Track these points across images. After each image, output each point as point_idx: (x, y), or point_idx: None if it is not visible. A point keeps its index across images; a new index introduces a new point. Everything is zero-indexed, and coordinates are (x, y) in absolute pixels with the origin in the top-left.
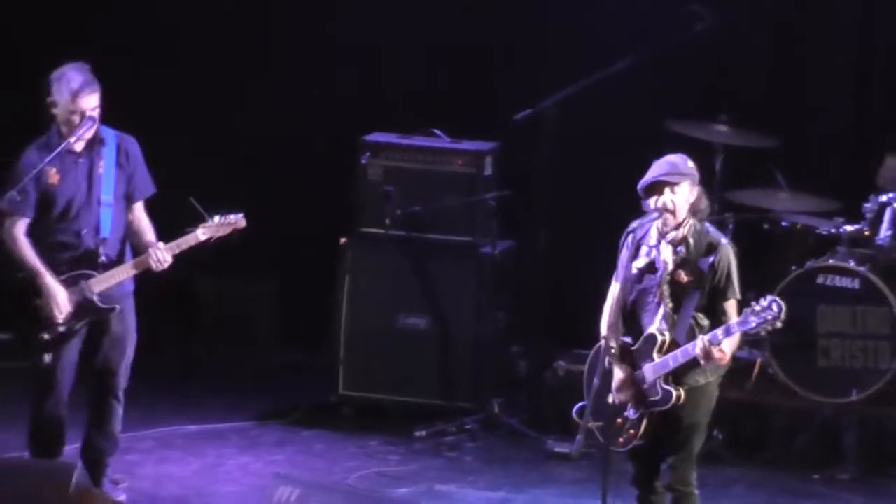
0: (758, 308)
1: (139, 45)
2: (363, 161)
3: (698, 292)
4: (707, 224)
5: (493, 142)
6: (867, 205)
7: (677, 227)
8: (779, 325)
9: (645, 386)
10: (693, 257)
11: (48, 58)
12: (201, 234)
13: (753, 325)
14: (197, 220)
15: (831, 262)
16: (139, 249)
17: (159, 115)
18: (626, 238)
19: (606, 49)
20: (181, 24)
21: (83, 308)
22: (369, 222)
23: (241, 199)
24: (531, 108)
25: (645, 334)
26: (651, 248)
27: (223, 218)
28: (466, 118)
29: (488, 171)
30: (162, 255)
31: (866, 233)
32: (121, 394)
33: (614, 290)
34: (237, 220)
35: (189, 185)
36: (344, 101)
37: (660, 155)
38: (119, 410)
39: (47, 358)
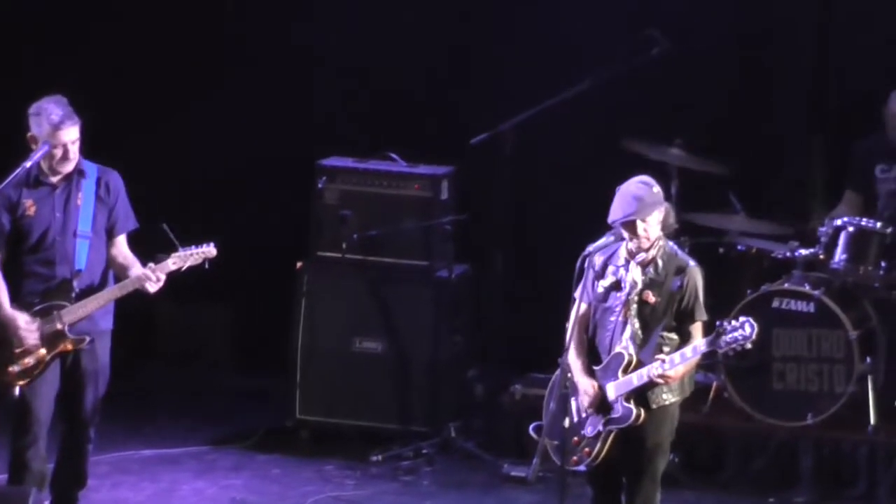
0: (728, 328)
1: (92, 71)
2: (320, 185)
3: (666, 313)
4: (675, 246)
5: (450, 166)
6: (822, 229)
7: (648, 248)
8: (749, 346)
9: (608, 404)
10: (661, 278)
11: None
12: (172, 263)
13: (723, 345)
14: (168, 249)
15: (786, 285)
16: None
17: (114, 141)
18: (583, 261)
19: (564, 72)
20: (135, 48)
21: (53, 338)
22: (326, 246)
23: (197, 223)
24: (488, 133)
25: (612, 353)
26: (618, 267)
27: (195, 247)
28: (423, 142)
29: (445, 195)
30: (156, 275)
31: (821, 257)
32: (91, 431)
33: (577, 309)
34: (208, 249)
35: (146, 212)
36: (300, 125)
37: (617, 179)
38: (89, 447)
39: (17, 392)
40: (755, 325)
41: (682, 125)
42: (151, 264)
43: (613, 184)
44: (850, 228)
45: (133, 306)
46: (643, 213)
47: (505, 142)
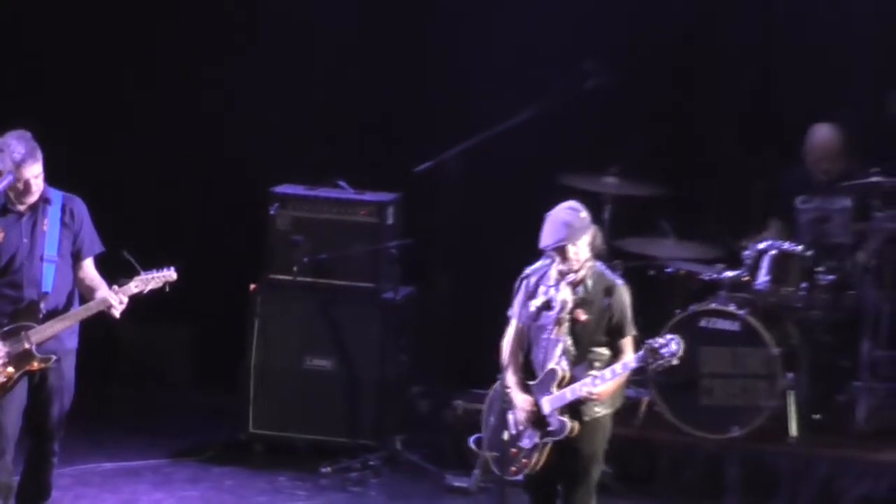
0: (657, 344)
1: (43, 100)
2: (272, 212)
3: (596, 330)
4: (603, 266)
5: (395, 193)
6: (746, 252)
7: (578, 269)
8: (675, 362)
9: (542, 417)
10: (591, 297)
11: None
12: (134, 286)
13: (652, 360)
14: (130, 273)
15: (713, 305)
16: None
17: (71, 168)
18: (521, 282)
19: (505, 103)
20: (86, 74)
21: (21, 357)
22: (278, 270)
23: (155, 248)
24: (432, 161)
25: (546, 369)
26: (549, 287)
27: (155, 272)
28: (370, 170)
29: (390, 220)
30: (119, 297)
31: (745, 278)
32: (56, 445)
33: (512, 327)
34: (168, 273)
35: (107, 238)
36: (254, 154)
37: (554, 204)
38: (54, 460)
39: None
40: (681, 342)
41: (617, 153)
42: (115, 287)
43: (551, 209)
44: (773, 252)
45: (96, 328)
46: (573, 238)
47: (448, 169)
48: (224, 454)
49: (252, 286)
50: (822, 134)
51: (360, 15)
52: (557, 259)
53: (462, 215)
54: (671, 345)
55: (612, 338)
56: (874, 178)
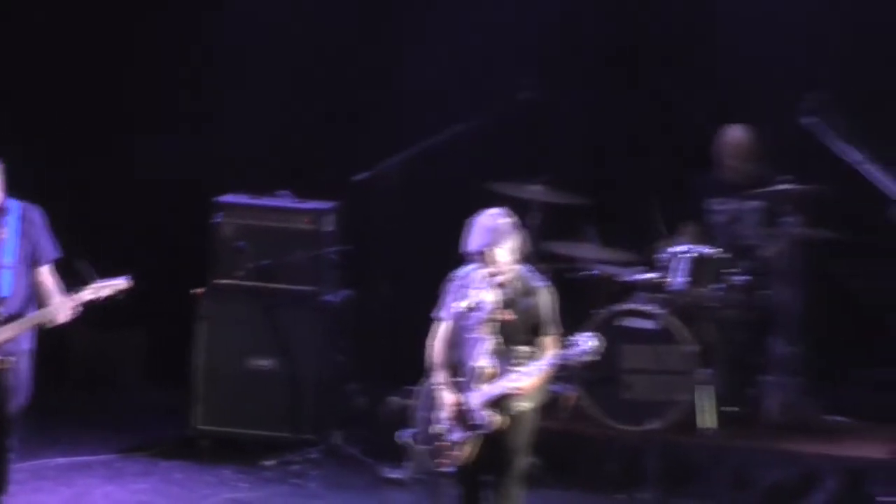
0: (576, 342)
1: None
2: (217, 220)
3: (520, 329)
4: (527, 268)
5: (335, 201)
6: (663, 255)
7: (503, 272)
8: (594, 357)
9: (470, 412)
10: (515, 298)
11: None
12: (89, 293)
13: (571, 357)
14: (85, 281)
15: (632, 306)
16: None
17: (23, 175)
18: (450, 282)
19: (441, 115)
20: (42, 86)
21: None
22: (223, 275)
23: (108, 256)
24: (370, 171)
25: (473, 366)
26: (476, 289)
27: (109, 280)
28: (311, 180)
29: (330, 227)
30: (67, 306)
31: (663, 280)
32: (13, 441)
33: (441, 327)
34: (122, 282)
35: (61, 245)
36: (201, 163)
37: (484, 210)
38: (11, 456)
39: None
40: (598, 339)
41: (546, 163)
42: (74, 294)
43: (476, 220)
44: (689, 254)
45: (51, 331)
46: (497, 243)
47: (385, 179)
48: (172, 449)
49: (198, 291)
50: (735, 134)
51: (303, 29)
52: (482, 262)
53: (398, 222)
54: (588, 342)
55: (536, 336)
56: (783, 186)
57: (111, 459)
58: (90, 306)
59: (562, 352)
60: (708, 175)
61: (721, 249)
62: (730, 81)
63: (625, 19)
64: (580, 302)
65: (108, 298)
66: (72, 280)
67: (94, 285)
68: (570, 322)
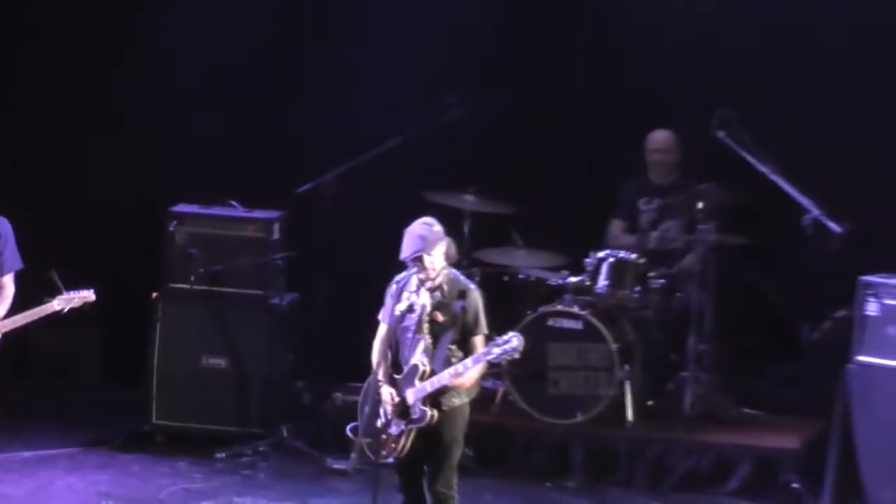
0: (500, 342)
1: None
2: (171, 228)
3: (452, 330)
4: (458, 273)
5: (281, 211)
6: (588, 260)
7: (434, 277)
8: (517, 356)
9: (407, 407)
10: (447, 301)
11: None
12: (56, 304)
13: (496, 355)
14: (53, 292)
15: (559, 307)
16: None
17: None
18: (390, 287)
19: (379, 130)
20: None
21: None
22: (177, 279)
23: (68, 261)
24: (312, 183)
25: (409, 364)
26: (412, 293)
27: (76, 292)
28: (258, 191)
29: (276, 235)
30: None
31: (587, 283)
32: None
33: (381, 329)
34: (88, 294)
35: (24, 254)
36: (155, 176)
37: (419, 218)
38: None
39: None
40: (522, 339)
41: (476, 174)
42: (43, 304)
43: (407, 230)
44: (611, 259)
45: (13, 332)
46: (428, 249)
47: (326, 190)
48: (130, 443)
49: (154, 294)
50: (661, 136)
51: (247, 47)
52: (416, 268)
53: (339, 230)
54: (513, 341)
55: (466, 336)
56: (700, 194)
57: (73, 453)
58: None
59: (488, 350)
60: (636, 179)
61: (641, 255)
62: (649, 94)
63: (548, 37)
64: (511, 304)
65: (74, 310)
66: (42, 291)
67: (62, 297)
68: (502, 323)
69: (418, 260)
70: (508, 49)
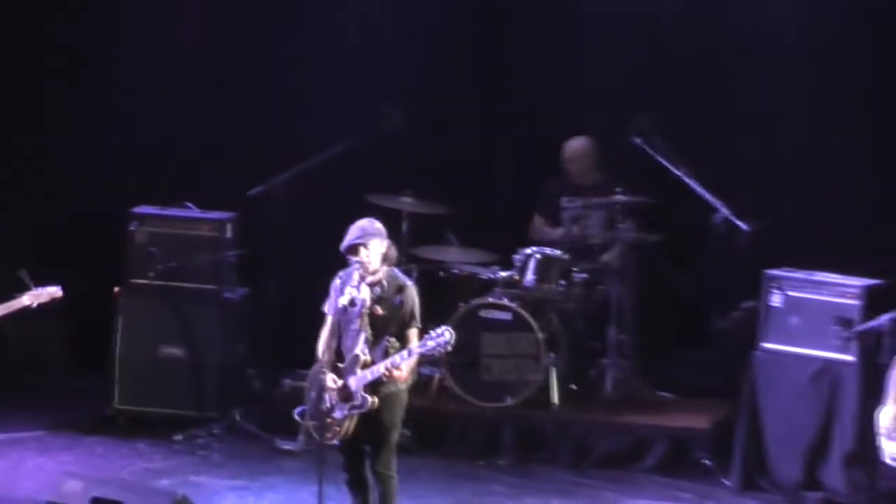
0: (434, 335)
1: None
2: (132, 228)
3: (391, 322)
4: (396, 270)
5: (233, 212)
6: (516, 256)
7: (374, 273)
8: (449, 348)
9: (350, 393)
10: (386, 296)
11: None
12: (26, 300)
13: (430, 348)
14: (23, 289)
15: (490, 299)
16: None
17: None
18: (334, 282)
19: (321, 138)
20: None
21: None
22: (137, 275)
23: (38, 261)
24: (263, 185)
25: (351, 354)
26: (353, 287)
27: (45, 288)
28: (213, 194)
29: (229, 234)
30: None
31: (516, 278)
32: None
33: (327, 321)
34: (55, 290)
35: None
36: (119, 178)
37: (361, 218)
38: None
39: None
40: (453, 332)
41: (413, 178)
42: (13, 300)
43: (351, 225)
44: (538, 256)
45: None
46: (364, 240)
47: (276, 192)
48: (94, 426)
49: (116, 289)
50: (576, 143)
51: (205, 61)
52: (353, 259)
53: (287, 229)
54: (444, 334)
55: (403, 329)
56: (617, 197)
57: (41, 435)
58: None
59: (423, 343)
60: (559, 179)
61: (565, 251)
62: (571, 99)
63: (481, 51)
64: (446, 297)
65: (43, 305)
66: (13, 288)
67: (31, 293)
68: (438, 315)
69: (354, 249)
70: (445, 62)
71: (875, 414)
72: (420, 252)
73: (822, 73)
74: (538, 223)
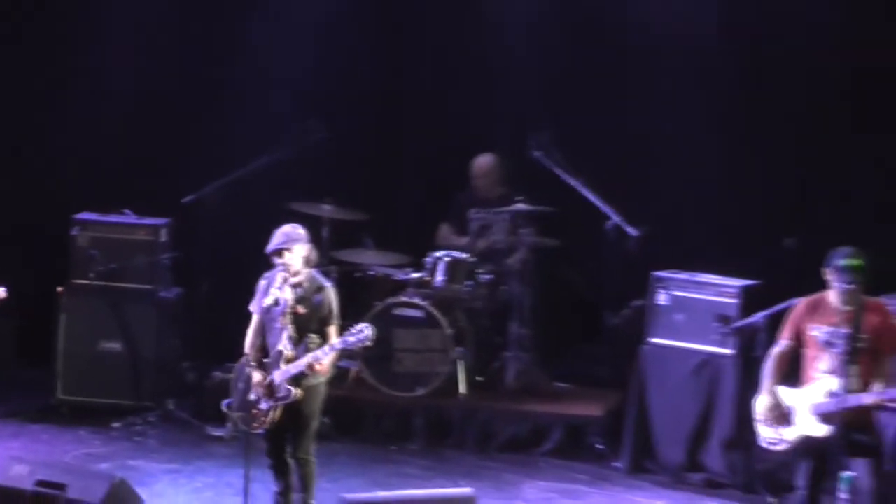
0: (354, 331)
1: None
2: (74, 232)
3: (311, 320)
4: (316, 272)
5: (168, 218)
6: (427, 259)
7: (296, 274)
8: (369, 343)
9: (274, 386)
10: (307, 296)
11: None
12: None
13: (350, 343)
14: None
15: (403, 298)
16: None
17: None
18: (260, 283)
19: (249, 149)
20: None
21: None
22: (79, 276)
23: None
24: (195, 194)
25: (276, 350)
26: (277, 288)
27: None
28: (148, 201)
29: (164, 238)
30: None
31: (427, 278)
32: None
33: (253, 319)
34: (1, 291)
35: None
36: (60, 187)
37: (285, 223)
38: None
39: None
40: (372, 328)
41: (333, 186)
42: None
43: (276, 230)
44: (447, 259)
45: None
46: (288, 244)
47: (207, 200)
48: (39, 415)
49: (60, 289)
50: (483, 160)
51: (142, 79)
52: (278, 261)
53: (218, 234)
54: (363, 331)
55: (323, 326)
56: (519, 206)
57: None
58: None
59: (344, 338)
60: (467, 193)
61: (472, 255)
62: (479, 119)
63: (395, 69)
64: (363, 296)
65: None
66: None
67: None
68: (355, 312)
69: (280, 253)
70: (364, 79)
71: (752, 402)
72: (339, 255)
73: (693, 90)
74: (445, 231)
